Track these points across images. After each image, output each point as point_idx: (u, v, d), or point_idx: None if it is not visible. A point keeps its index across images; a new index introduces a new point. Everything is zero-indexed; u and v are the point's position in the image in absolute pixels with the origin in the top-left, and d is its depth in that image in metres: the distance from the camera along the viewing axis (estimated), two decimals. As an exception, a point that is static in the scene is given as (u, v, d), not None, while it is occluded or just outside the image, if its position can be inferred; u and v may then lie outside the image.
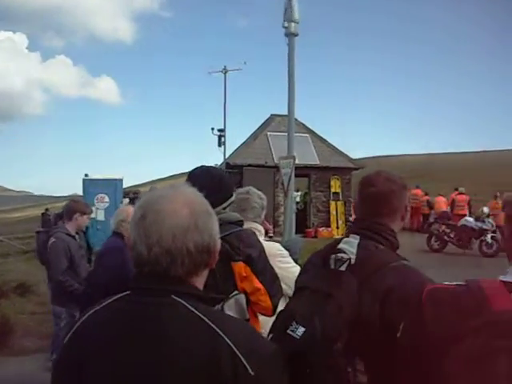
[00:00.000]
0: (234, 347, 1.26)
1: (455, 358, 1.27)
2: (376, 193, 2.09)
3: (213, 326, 1.29)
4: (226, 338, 1.27)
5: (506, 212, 1.45)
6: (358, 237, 2.07)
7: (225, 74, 27.79)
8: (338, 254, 2.01)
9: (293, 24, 12.27)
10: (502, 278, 1.41)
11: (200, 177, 2.89)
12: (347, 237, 2.11)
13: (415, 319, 1.51)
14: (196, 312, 1.31)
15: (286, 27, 12.35)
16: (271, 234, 20.58)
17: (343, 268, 1.97)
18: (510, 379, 1.18)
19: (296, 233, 14.59)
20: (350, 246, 2.03)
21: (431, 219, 21.62)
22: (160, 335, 1.29)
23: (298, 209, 21.67)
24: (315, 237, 21.45)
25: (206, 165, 3.05)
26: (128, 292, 1.40)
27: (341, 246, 2.06)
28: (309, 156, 23.45)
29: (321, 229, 22.53)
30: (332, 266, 2.01)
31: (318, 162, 23.55)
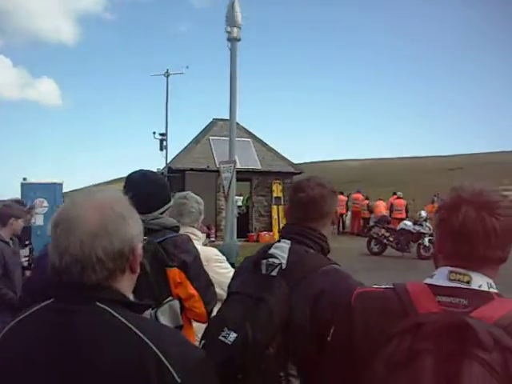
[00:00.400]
0: (160, 354, 1.23)
1: (382, 360, 1.29)
2: (306, 198, 2.11)
3: (139, 333, 1.26)
4: (153, 346, 1.24)
5: (438, 216, 1.47)
6: (288, 241, 2.08)
7: (167, 77, 27.45)
8: (270, 259, 2.02)
9: (235, 29, 12.34)
10: (427, 281, 1.43)
11: (137, 181, 2.86)
12: (278, 242, 2.12)
13: (345, 323, 1.52)
14: (121, 319, 1.28)
15: (228, 32, 12.40)
16: (213, 238, 20.62)
17: (274, 273, 1.98)
18: (434, 380, 1.19)
19: (238, 237, 14.63)
20: (281, 251, 2.04)
21: (371, 223, 22.04)
22: (83, 344, 1.26)
23: (239, 213, 21.71)
24: (257, 241, 21.48)
25: (144, 169, 3.01)
26: (52, 300, 1.35)
27: (272, 250, 2.07)
28: (251, 160, 23.51)
29: (263, 233, 22.58)
30: (263, 271, 2.02)
31: (259, 167, 23.62)
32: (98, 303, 1.30)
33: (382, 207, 23.75)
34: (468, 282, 1.37)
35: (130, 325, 1.27)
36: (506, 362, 1.20)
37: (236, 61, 12.56)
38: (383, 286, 1.50)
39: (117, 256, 1.34)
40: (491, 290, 1.38)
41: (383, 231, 18.43)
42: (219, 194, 20.07)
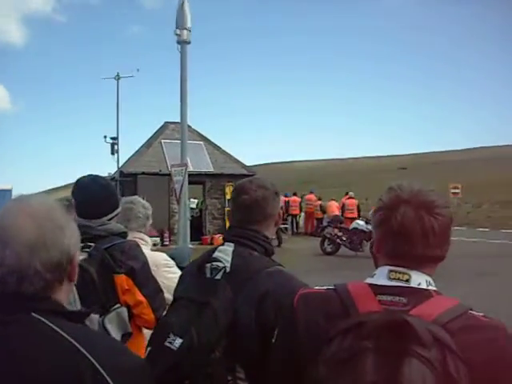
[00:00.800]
0: (96, 363, 1.21)
1: (324, 360, 1.29)
2: (249, 200, 2.11)
3: (75, 343, 1.23)
4: (88, 355, 1.22)
5: (377, 216, 1.49)
6: (232, 244, 2.09)
7: (117, 80, 27.10)
8: (214, 263, 2.02)
9: (185, 31, 12.26)
10: (368, 280, 1.45)
11: (86, 186, 2.83)
12: (222, 245, 2.11)
13: (288, 324, 1.52)
14: (57, 329, 1.25)
15: (178, 35, 12.32)
16: (166, 242, 20.47)
17: (219, 276, 1.98)
18: (375, 378, 1.20)
19: (192, 240, 14.53)
20: (225, 254, 2.04)
21: (324, 223, 22.28)
22: (15, 355, 1.22)
23: (193, 216, 21.60)
24: (211, 244, 21.39)
25: (94, 174, 2.97)
26: None
27: (216, 254, 2.07)
28: (203, 163, 23.44)
29: (217, 236, 22.52)
30: (208, 275, 2.02)
31: (212, 170, 23.58)
32: (33, 314, 1.26)
33: (334, 207, 24.04)
34: (407, 281, 1.40)
35: (65, 335, 1.24)
36: (445, 358, 1.22)
37: (186, 63, 12.50)
38: (325, 287, 1.51)
39: (55, 267, 1.30)
40: (430, 287, 1.41)
41: (336, 231, 18.65)
42: (172, 197, 19.95)
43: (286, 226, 25.52)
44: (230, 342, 1.86)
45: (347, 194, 25.23)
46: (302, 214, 27.48)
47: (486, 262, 16.77)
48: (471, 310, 1.37)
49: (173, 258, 3.69)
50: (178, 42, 12.39)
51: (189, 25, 12.30)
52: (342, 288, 1.44)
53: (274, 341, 1.67)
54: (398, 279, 1.40)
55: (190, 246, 12.47)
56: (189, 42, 12.46)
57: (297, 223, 27.21)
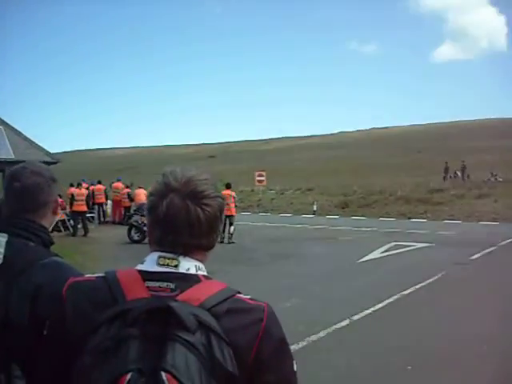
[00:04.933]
0: None
1: (89, 350, 1.25)
2: (21, 188, 2.00)
3: None
4: None
5: (148, 202, 1.46)
6: (5, 235, 1.95)
7: None
8: None
9: None
10: (138, 267, 1.43)
11: None
12: None
13: (57, 315, 1.45)
14: None
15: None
16: None
17: None
18: (140, 365, 1.19)
19: None
20: None
21: (132, 211, 22.04)
22: None
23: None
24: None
25: None
26: None
27: None
28: (3, 149, 21.93)
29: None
30: None
31: (12, 156, 22.11)
32: None
33: (142, 195, 23.79)
34: (176, 266, 1.40)
35: None
36: (210, 342, 1.25)
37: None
38: (95, 275, 1.46)
39: None
40: (199, 272, 1.42)
41: (143, 219, 18.51)
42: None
43: (92, 215, 24.76)
44: (2, 337, 1.75)
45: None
46: (109, 202, 26.88)
47: (287, 245, 17.84)
48: (239, 293, 1.41)
49: None
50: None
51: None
52: (111, 275, 1.41)
53: (45, 333, 1.59)
54: (167, 265, 1.40)
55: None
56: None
57: (103, 212, 26.53)
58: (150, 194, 1.46)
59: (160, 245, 1.44)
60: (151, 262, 1.42)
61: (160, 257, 1.41)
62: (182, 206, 1.39)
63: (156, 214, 1.42)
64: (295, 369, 1.43)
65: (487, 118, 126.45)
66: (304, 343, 6.82)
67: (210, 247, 1.48)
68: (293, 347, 6.42)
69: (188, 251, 1.42)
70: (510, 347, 6.88)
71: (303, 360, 6.05)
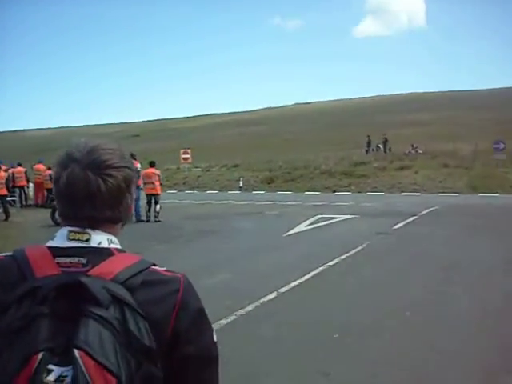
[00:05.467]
0: None
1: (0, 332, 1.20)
2: None
3: None
4: None
5: (53, 174, 1.40)
6: None
7: None
8: None
9: None
10: (48, 243, 1.38)
11: None
12: None
13: None
14: None
15: None
16: None
17: None
18: (52, 343, 1.15)
19: None
20: None
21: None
22: None
23: None
24: None
25: None
26: None
27: None
28: None
29: None
30: None
31: None
32: None
33: (64, 176, 23.20)
34: (87, 241, 1.35)
35: None
36: (124, 316, 1.21)
37: None
38: (3, 254, 1.40)
39: None
40: (112, 245, 1.37)
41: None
42: None
43: (13, 198, 23.89)
44: None
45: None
46: (31, 185, 26.03)
47: (214, 222, 17.85)
48: (154, 265, 1.38)
49: None
50: None
51: None
52: (20, 253, 1.34)
53: None
54: (78, 239, 1.35)
55: None
56: None
57: (25, 195, 25.68)
58: (54, 166, 1.40)
59: (66, 218, 1.38)
60: (61, 238, 1.37)
61: (70, 231, 1.36)
62: (81, 176, 1.32)
63: (58, 186, 1.36)
64: (215, 339, 1.41)
65: (407, 92, 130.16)
66: (232, 317, 6.86)
67: (117, 220, 1.42)
68: (221, 322, 6.47)
69: (96, 224, 1.37)
70: (431, 312, 7.19)
71: (231, 334, 6.11)
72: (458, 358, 5.45)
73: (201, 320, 1.38)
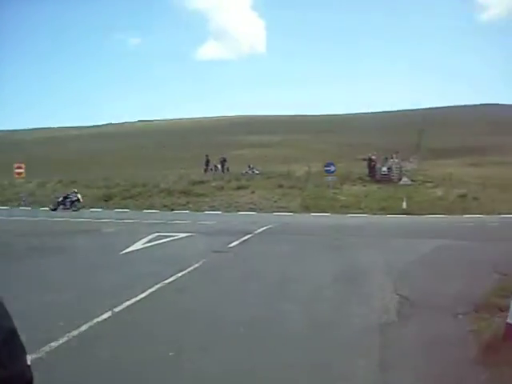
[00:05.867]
0: None
1: None
2: None
3: None
4: None
5: None
6: None
7: None
8: None
9: None
10: None
11: None
12: None
13: None
14: None
15: None
16: None
17: None
18: None
19: None
20: None
21: None
22: None
23: None
24: None
25: None
26: None
27: None
28: None
29: None
30: None
31: None
32: None
33: None
34: None
35: None
36: None
37: None
38: None
39: None
40: None
41: None
42: None
43: None
44: None
45: None
46: None
47: (47, 239, 17.12)
48: None
49: None
50: None
51: None
52: None
53: None
54: None
55: None
56: None
57: None
58: None
59: None
60: None
61: None
62: None
63: None
64: (29, 362, 1.37)
65: (249, 114, 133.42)
66: (65, 338, 6.60)
67: None
68: (53, 344, 6.18)
69: None
70: (265, 326, 7.46)
71: (65, 355, 5.87)
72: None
73: (13, 342, 1.32)
